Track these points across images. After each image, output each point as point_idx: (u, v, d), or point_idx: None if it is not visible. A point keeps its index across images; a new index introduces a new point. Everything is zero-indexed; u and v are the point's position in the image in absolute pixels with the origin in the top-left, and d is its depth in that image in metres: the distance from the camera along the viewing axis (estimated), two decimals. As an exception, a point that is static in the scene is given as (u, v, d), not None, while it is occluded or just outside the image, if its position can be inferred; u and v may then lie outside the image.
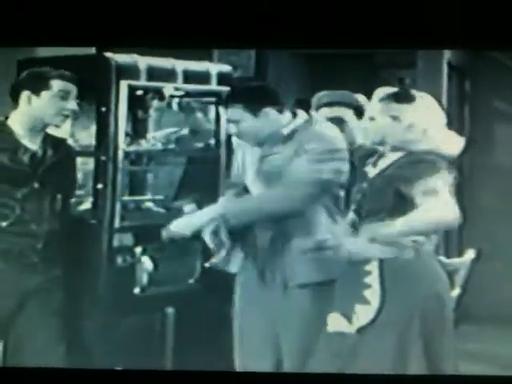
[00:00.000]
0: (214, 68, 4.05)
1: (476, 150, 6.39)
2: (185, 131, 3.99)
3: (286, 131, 3.39)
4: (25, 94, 3.43)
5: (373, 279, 3.04)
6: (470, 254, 4.53)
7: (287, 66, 5.94)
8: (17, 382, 3.33)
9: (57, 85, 3.43)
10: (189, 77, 3.93)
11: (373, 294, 3.03)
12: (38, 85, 3.42)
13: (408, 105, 3.07)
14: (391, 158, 3.10)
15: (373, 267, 3.05)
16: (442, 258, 4.40)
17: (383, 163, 3.11)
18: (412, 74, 5.96)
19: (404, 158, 3.07)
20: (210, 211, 3.39)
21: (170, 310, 3.84)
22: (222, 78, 3.98)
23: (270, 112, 3.38)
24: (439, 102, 3.17)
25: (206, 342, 3.49)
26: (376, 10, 3.59)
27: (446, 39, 3.60)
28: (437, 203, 2.97)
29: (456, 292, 4.46)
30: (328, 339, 3.11)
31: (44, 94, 3.42)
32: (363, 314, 3.04)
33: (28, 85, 3.44)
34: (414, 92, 3.11)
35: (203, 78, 3.94)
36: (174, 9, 3.66)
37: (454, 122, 6.32)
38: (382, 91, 3.12)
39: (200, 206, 3.51)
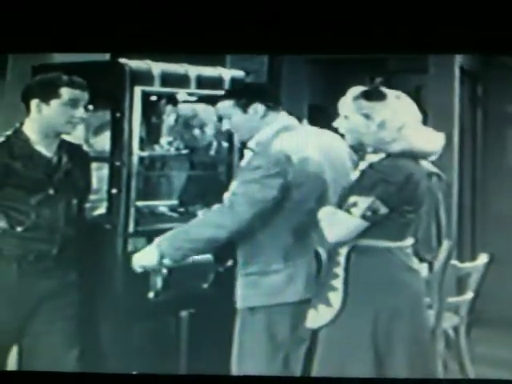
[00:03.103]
0: (227, 73, 4.05)
1: (489, 154, 6.39)
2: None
3: (252, 143, 3.43)
4: (35, 102, 3.42)
5: (339, 282, 3.07)
6: (482, 259, 4.53)
7: (300, 71, 5.94)
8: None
9: (66, 93, 3.41)
10: (202, 82, 3.94)
11: (336, 297, 3.07)
12: (47, 93, 3.41)
13: (379, 102, 3.07)
14: (369, 160, 3.12)
15: (340, 270, 3.08)
16: (456, 263, 4.41)
17: (362, 166, 3.13)
18: (425, 79, 5.97)
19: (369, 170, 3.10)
20: (152, 254, 3.42)
21: (184, 314, 3.85)
22: (235, 84, 4.00)
23: (258, 108, 3.41)
24: (417, 101, 3.18)
25: (220, 346, 3.49)
26: (388, 15, 3.59)
27: (457, 44, 3.60)
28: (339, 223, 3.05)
29: (469, 296, 4.47)
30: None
31: (54, 102, 3.41)
32: (324, 314, 3.09)
33: (38, 92, 3.42)
34: (386, 90, 3.11)
35: (216, 83, 3.94)
36: (188, 15, 3.67)
37: (467, 127, 6.32)
38: (354, 90, 3.12)
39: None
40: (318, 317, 3.12)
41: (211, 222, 3.36)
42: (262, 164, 3.32)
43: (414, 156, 3.09)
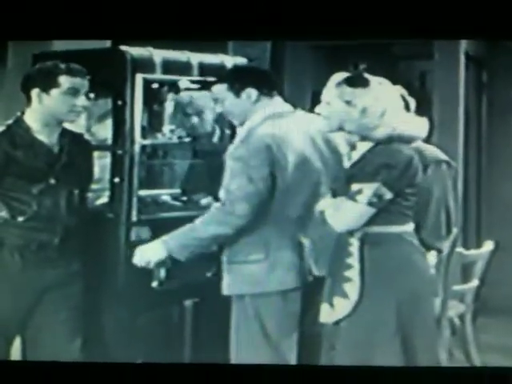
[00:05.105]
0: (230, 60, 4.03)
1: (494, 140, 6.37)
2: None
3: (242, 130, 3.41)
4: (35, 92, 3.40)
5: (354, 273, 3.04)
6: (488, 246, 4.51)
7: (303, 57, 5.92)
8: (35, 375, 3.33)
9: (66, 81, 3.38)
10: (204, 69, 3.92)
11: (353, 288, 3.04)
12: (47, 82, 3.38)
13: (361, 89, 3.06)
14: (361, 149, 3.09)
15: (354, 261, 3.05)
16: (461, 250, 4.39)
17: (356, 155, 3.10)
18: (430, 64, 5.94)
19: (370, 154, 3.07)
20: (159, 250, 3.41)
21: (188, 304, 3.84)
22: (231, 68, 3.97)
23: (251, 93, 3.40)
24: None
25: (224, 334, 3.48)
26: (393, 0, 3.56)
27: (462, 29, 3.57)
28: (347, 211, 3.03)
29: (474, 284, 4.46)
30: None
31: (54, 91, 3.39)
32: (341, 308, 3.06)
33: (37, 82, 3.40)
34: (369, 77, 3.09)
35: (218, 70, 3.91)
36: (189, 1, 3.64)
37: (472, 113, 6.30)
38: (338, 76, 3.11)
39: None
40: (333, 311, 3.08)
41: (215, 219, 3.35)
42: (243, 154, 3.32)
43: (400, 141, 3.06)
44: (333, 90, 3.09)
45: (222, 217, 3.34)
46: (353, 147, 3.11)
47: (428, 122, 3.14)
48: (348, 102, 3.06)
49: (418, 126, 3.12)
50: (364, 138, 3.07)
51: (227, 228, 3.32)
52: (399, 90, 3.13)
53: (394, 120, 3.06)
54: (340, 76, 3.11)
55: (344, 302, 3.05)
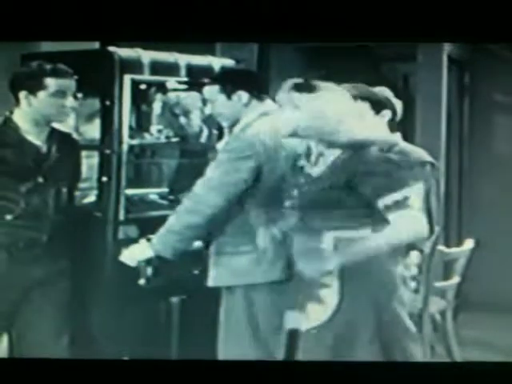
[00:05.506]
0: (217, 62, 4.07)
1: (475, 141, 6.43)
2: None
3: (237, 127, 3.45)
4: (23, 94, 3.41)
5: (332, 280, 3.00)
6: (469, 244, 4.58)
7: (290, 59, 5.96)
8: (22, 373, 3.35)
9: (53, 84, 3.39)
10: (192, 71, 3.96)
11: (331, 295, 3.01)
12: (33, 85, 3.39)
13: (309, 94, 3.06)
14: (332, 154, 3.07)
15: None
16: (443, 248, 4.45)
17: (326, 160, 3.07)
18: (413, 66, 5.99)
19: (362, 155, 3.03)
20: (145, 249, 3.46)
21: (175, 300, 3.87)
22: (223, 69, 4.01)
23: (242, 96, 3.45)
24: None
25: (211, 331, 3.51)
26: (376, 2, 3.61)
27: (445, 32, 3.62)
28: (409, 220, 2.97)
29: (455, 280, 4.52)
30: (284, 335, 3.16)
31: (41, 94, 3.39)
32: (317, 315, 3.02)
33: (24, 84, 3.41)
34: (317, 83, 3.09)
35: (206, 72, 3.95)
36: (178, 2, 3.67)
37: (454, 114, 6.36)
38: (288, 83, 3.12)
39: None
40: (310, 318, 3.04)
41: (186, 209, 3.39)
42: (234, 147, 3.38)
43: (363, 145, 3.04)
44: (284, 96, 3.10)
45: (192, 205, 3.37)
46: (320, 154, 3.09)
47: (385, 122, 3.17)
48: (297, 107, 3.05)
49: (376, 128, 3.15)
50: (330, 145, 3.07)
51: (197, 217, 3.35)
52: (347, 94, 3.09)
53: (353, 124, 3.04)
54: (290, 82, 3.12)
55: (321, 308, 3.01)
